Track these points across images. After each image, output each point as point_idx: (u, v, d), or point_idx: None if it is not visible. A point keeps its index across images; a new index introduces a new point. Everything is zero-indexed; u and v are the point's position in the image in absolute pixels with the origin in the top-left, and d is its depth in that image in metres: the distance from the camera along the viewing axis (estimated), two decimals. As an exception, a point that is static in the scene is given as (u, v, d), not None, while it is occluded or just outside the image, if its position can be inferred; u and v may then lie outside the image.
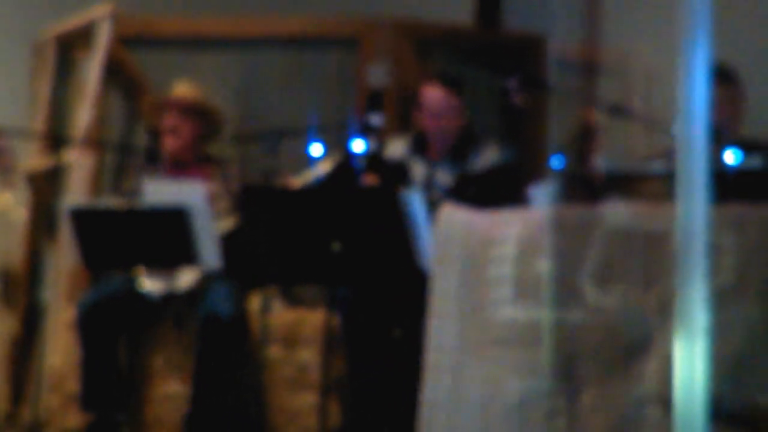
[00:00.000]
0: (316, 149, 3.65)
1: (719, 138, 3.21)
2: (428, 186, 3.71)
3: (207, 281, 3.70)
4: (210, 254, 3.42)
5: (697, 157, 1.48)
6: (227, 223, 3.73)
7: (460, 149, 3.70)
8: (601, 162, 3.30)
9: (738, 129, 3.46)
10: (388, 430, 3.37)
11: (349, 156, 3.60)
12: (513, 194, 3.37)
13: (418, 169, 3.80)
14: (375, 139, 3.70)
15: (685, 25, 1.51)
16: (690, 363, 1.45)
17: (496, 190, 3.51)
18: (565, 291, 2.65)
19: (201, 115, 4.02)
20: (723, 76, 3.34)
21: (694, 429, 1.42)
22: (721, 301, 2.55)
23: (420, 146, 3.83)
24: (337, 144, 3.73)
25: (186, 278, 3.71)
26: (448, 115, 3.66)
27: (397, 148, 3.86)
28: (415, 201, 3.13)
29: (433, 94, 3.74)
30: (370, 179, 3.77)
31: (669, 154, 3.13)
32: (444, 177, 3.70)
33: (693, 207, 1.48)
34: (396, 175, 3.77)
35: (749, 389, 2.50)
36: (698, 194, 1.48)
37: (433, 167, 3.75)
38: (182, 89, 4.04)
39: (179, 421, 3.68)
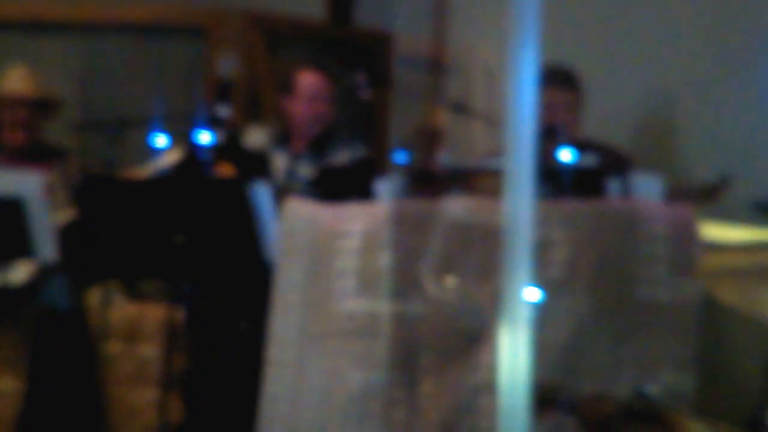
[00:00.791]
0: (160, 140, 3.58)
1: (555, 137, 3.32)
2: (290, 178, 3.69)
3: (43, 274, 3.58)
4: (46, 246, 3.31)
5: (524, 154, 1.53)
6: (66, 215, 3.62)
7: (322, 142, 3.71)
8: (444, 158, 3.36)
9: (576, 130, 3.58)
10: (230, 425, 3.35)
11: (195, 148, 3.55)
12: (367, 188, 3.40)
13: (280, 161, 3.78)
14: (222, 131, 3.66)
15: (514, 24, 1.55)
16: (514, 353, 1.50)
17: (356, 185, 3.53)
18: (406, 283, 2.70)
19: (37, 106, 3.89)
20: (564, 81, 3.45)
21: (517, 416, 1.47)
22: (552, 292, 2.65)
23: (283, 137, 3.81)
24: (183, 135, 3.67)
25: (21, 271, 3.58)
26: (323, 102, 3.67)
27: (257, 137, 3.83)
28: (262, 193, 3.12)
29: (310, 79, 3.73)
30: (224, 169, 3.72)
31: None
32: (306, 169, 3.69)
33: (519, 202, 1.53)
34: (254, 165, 3.74)
35: (579, 377, 2.60)
36: (525, 190, 1.53)
37: (295, 159, 3.74)
38: (15, 82, 3.89)
39: (13, 418, 3.56)
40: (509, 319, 1.55)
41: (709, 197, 3.33)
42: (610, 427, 2.09)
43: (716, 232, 2.94)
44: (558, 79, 3.42)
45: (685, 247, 2.63)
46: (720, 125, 3.82)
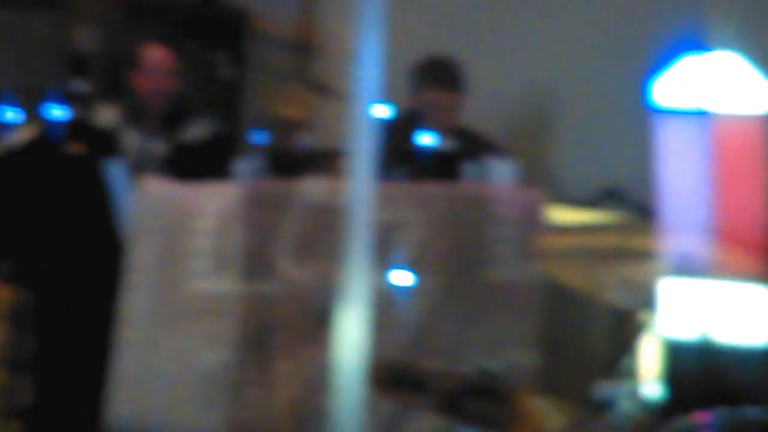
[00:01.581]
0: (11, 115, 3.47)
1: (418, 122, 3.37)
2: (142, 156, 3.63)
3: None
4: None
5: (366, 135, 1.56)
6: None
7: (174, 119, 3.65)
8: (304, 139, 3.37)
9: (453, 119, 3.59)
10: (80, 407, 3.29)
11: (48, 124, 3.45)
12: (224, 167, 3.37)
13: (131, 139, 3.71)
14: (79, 107, 3.57)
15: (359, 7, 1.58)
16: (352, 331, 1.53)
17: (212, 163, 3.49)
18: (261, 264, 2.71)
19: None
20: (451, 83, 3.43)
21: (352, 395, 1.50)
22: (405, 272, 2.70)
23: (134, 114, 3.73)
24: (36, 111, 3.56)
25: None
26: (168, 77, 3.60)
27: (107, 115, 3.74)
28: (116, 171, 3.07)
29: (155, 54, 3.65)
30: (74, 148, 3.63)
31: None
32: (158, 147, 3.63)
33: (360, 183, 1.56)
34: (104, 144, 3.66)
35: (428, 356, 2.66)
36: (366, 172, 1.56)
37: (147, 137, 3.68)
38: None
39: None
40: (348, 298, 1.58)
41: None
42: (455, 404, 2.15)
43: (563, 215, 3.04)
44: (445, 81, 3.41)
45: (532, 229, 2.71)
46: (585, 118, 3.94)
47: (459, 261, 2.78)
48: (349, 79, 1.59)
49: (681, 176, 2.56)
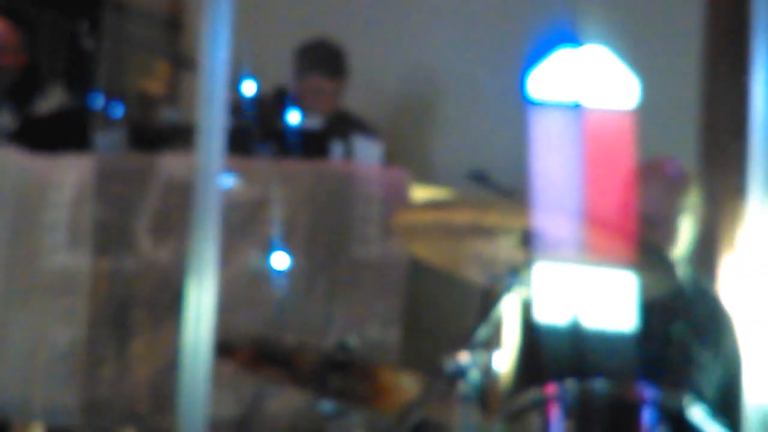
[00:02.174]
0: None
1: (285, 99, 3.36)
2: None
3: None
4: None
5: (215, 108, 1.54)
6: None
7: (23, 90, 3.53)
8: (167, 113, 3.32)
9: (336, 102, 3.57)
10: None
11: None
12: (79, 140, 3.28)
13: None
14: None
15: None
16: (198, 305, 1.52)
17: (62, 135, 3.40)
18: (119, 239, 2.66)
19: None
20: (334, 70, 3.41)
21: (200, 370, 1.49)
22: (266, 249, 2.70)
23: None
24: None
25: None
26: (11, 52, 3.48)
27: None
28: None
29: None
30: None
31: (234, 109, 3.22)
32: (6, 119, 3.51)
33: (209, 157, 1.54)
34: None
35: (291, 331, 2.67)
36: (214, 145, 1.54)
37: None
38: None
39: None
40: (195, 273, 1.57)
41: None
42: (317, 379, 2.16)
43: (427, 194, 3.09)
44: (328, 67, 3.40)
45: (396, 208, 2.75)
46: (460, 105, 3.99)
47: (324, 238, 2.80)
48: (199, 53, 1.57)
49: (552, 164, 2.63)
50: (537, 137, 2.96)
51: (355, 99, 3.57)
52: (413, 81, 4.10)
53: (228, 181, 2.80)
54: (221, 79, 1.59)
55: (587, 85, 3.09)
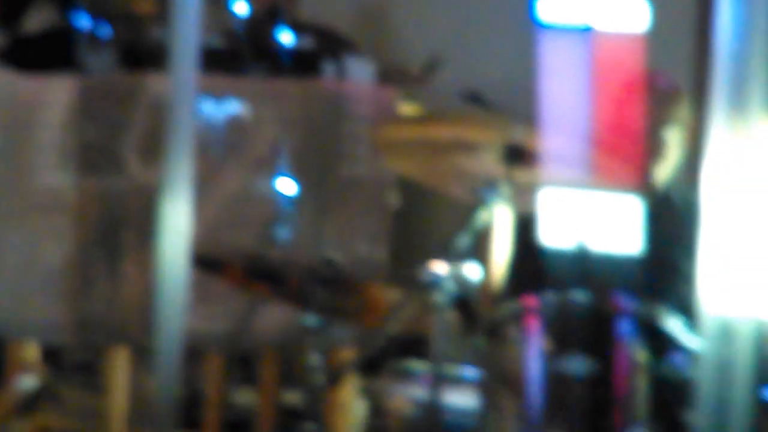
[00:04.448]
0: None
1: (276, 18, 3.33)
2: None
3: None
4: None
5: (188, 25, 1.54)
6: None
7: (11, 9, 3.49)
8: (156, 33, 3.30)
9: (295, 11, 3.58)
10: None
11: None
12: (68, 60, 3.26)
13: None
14: None
15: None
16: (175, 223, 1.55)
17: (51, 55, 3.37)
18: (108, 160, 2.67)
19: None
20: None
21: (176, 284, 1.52)
22: (258, 169, 2.72)
23: None
24: None
25: None
26: None
27: None
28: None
29: None
30: None
31: (225, 29, 3.20)
32: None
33: (182, 76, 1.55)
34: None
35: (281, 249, 2.69)
36: (187, 63, 1.55)
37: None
38: None
39: None
40: (171, 190, 1.59)
41: (418, 80, 3.47)
42: (305, 294, 2.19)
43: (413, 111, 3.08)
44: None
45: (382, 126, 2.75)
46: (436, 14, 3.94)
47: (314, 156, 2.81)
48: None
49: (560, 88, 2.62)
50: (545, 60, 2.94)
51: (329, 14, 3.53)
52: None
53: (218, 104, 2.80)
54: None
55: (597, 8, 3.06)
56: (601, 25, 3.05)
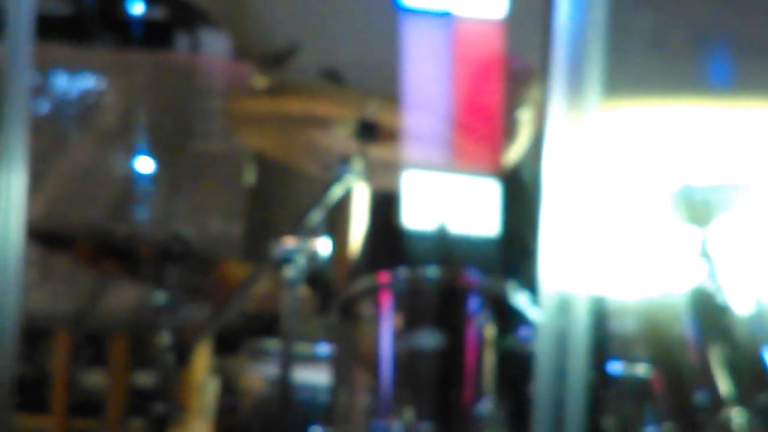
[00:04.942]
0: None
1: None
2: None
3: None
4: None
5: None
6: None
7: None
8: None
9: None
10: None
11: None
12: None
13: None
14: None
15: None
16: (11, 194, 1.47)
17: None
18: None
19: None
20: None
21: (11, 259, 1.45)
22: (107, 141, 2.64)
23: None
24: None
25: None
26: None
27: None
28: None
29: None
30: None
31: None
32: None
33: (16, 44, 1.47)
34: None
35: (133, 225, 2.63)
36: (22, 31, 1.47)
37: None
38: None
39: None
40: (5, 163, 1.51)
41: (278, 62, 3.42)
42: (155, 271, 2.14)
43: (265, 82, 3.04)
44: None
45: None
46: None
47: (165, 131, 2.74)
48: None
49: (419, 70, 2.62)
50: (406, 43, 2.95)
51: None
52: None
53: (68, 76, 2.70)
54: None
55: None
56: (460, 11, 3.08)
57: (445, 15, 3.07)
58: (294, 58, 3.72)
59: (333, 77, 3.35)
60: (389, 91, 2.63)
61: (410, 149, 2.10)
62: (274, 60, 3.44)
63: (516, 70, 2.43)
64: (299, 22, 3.96)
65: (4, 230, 1.49)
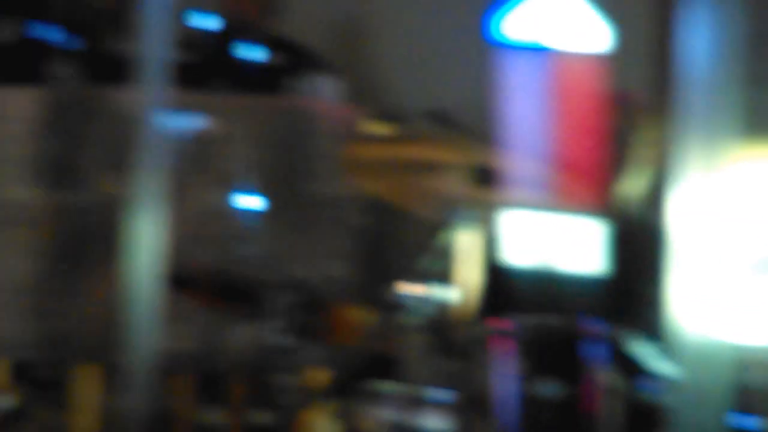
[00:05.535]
0: None
1: (244, 32, 3.31)
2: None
3: None
4: None
5: (157, 40, 1.51)
6: None
7: None
8: (118, 44, 3.25)
9: (268, 25, 3.54)
10: None
11: None
12: (31, 72, 3.21)
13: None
14: None
15: None
16: (145, 240, 1.51)
17: (18, 67, 3.31)
18: (72, 173, 2.63)
19: None
20: None
21: (147, 302, 1.49)
22: (223, 184, 2.69)
23: None
24: None
25: None
26: None
27: None
28: None
29: None
30: None
31: (189, 43, 3.16)
32: None
33: (151, 90, 1.52)
34: None
35: (249, 267, 2.66)
36: (156, 78, 1.52)
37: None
38: None
39: None
40: (141, 207, 1.56)
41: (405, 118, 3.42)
42: (275, 313, 2.17)
43: (382, 130, 3.07)
44: None
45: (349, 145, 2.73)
46: (408, 33, 3.94)
47: (279, 174, 2.78)
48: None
49: (519, 108, 2.61)
50: (505, 79, 2.94)
51: (297, 29, 3.52)
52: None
53: (186, 119, 2.77)
54: (163, 11, 1.55)
55: (557, 28, 3.06)
56: (562, 45, 3.06)
57: (545, 50, 3.04)
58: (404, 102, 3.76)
59: (441, 119, 3.36)
60: (492, 131, 2.62)
61: (516, 190, 2.08)
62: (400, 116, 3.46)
63: (631, 109, 2.40)
64: (402, 62, 4.00)
65: (142, 272, 1.52)
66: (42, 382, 2.98)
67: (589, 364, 1.96)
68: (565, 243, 2.17)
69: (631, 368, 1.95)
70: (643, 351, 1.95)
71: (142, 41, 1.54)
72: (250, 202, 2.79)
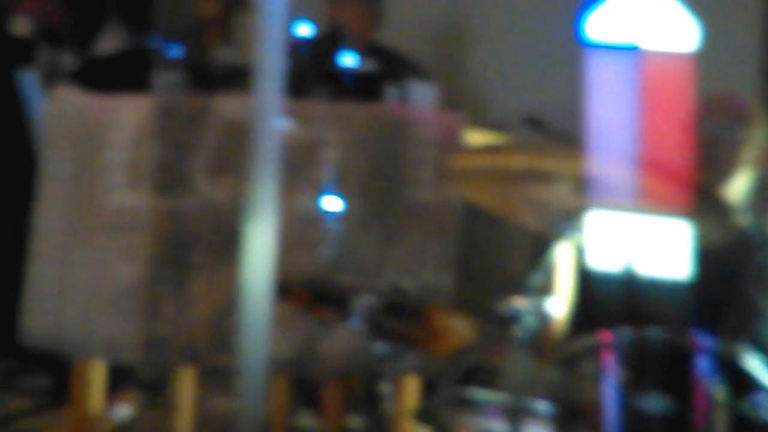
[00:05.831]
0: None
1: (340, 40, 3.32)
2: (53, 68, 3.52)
3: None
4: None
5: (273, 49, 1.52)
6: None
7: (85, 30, 3.53)
8: (222, 53, 3.30)
9: (366, 36, 3.56)
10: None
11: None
12: (138, 80, 3.29)
13: (44, 50, 3.59)
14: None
15: None
16: (259, 248, 1.52)
17: (122, 76, 3.40)
18: (176, 180, 2.67)
19: None
20: None
21: (259, 309, 1.50)
22: (320, 192, 2.70)
23: (47, 25, 3.60)
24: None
25: None
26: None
27: (20, 26, 3.61)
28: (30, 82, 2.98)
29: None
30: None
31: (289, 51, 3.19)
32: (69, 60, 3.53)
33: (267, 99, 1.53)
34: (19, 53, 3.53)
35: (346, 274, 2.67)
36: (272, 87, 1.53)
37: (58, 49, 3.56)
38: None
39: None
40: (255, 214, 1.57)
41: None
42: (372, 321, 2.17)
43: (481, 139, 3.05)
44: None
45: (450, 152, 2.72)
46: (504, 39, 3.92)
47: (378, 182, 2.79)
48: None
49: (609, 109, 2.59)
50: (594, 81, 2.90)
51: (394, 36, 3.53)
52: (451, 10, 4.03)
53: (283, 124, 2.79)
54: (278, 20, 1.57)
55: (645, 27, 3.02)
56: (649, 45, 3.00)
57: (633, 49, 2.99)
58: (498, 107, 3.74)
59: (536, 125, 3.33)
60: (582, 133, 2.58)
61: (609, 194, 2.05)
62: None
63: (736, 111, 2.35)
64: (496, 68, 3.98)
65: (255, 277, 1.53)
66: (146, 384, 3.04)
67: (697, 378, 1.92)
68: (657, 248, 2.14)
69: (743, 383, 1.91)
70: (755, 365, 1.91)
71: (257, 49, 1.55)
72: (347, 208, 2.80)
